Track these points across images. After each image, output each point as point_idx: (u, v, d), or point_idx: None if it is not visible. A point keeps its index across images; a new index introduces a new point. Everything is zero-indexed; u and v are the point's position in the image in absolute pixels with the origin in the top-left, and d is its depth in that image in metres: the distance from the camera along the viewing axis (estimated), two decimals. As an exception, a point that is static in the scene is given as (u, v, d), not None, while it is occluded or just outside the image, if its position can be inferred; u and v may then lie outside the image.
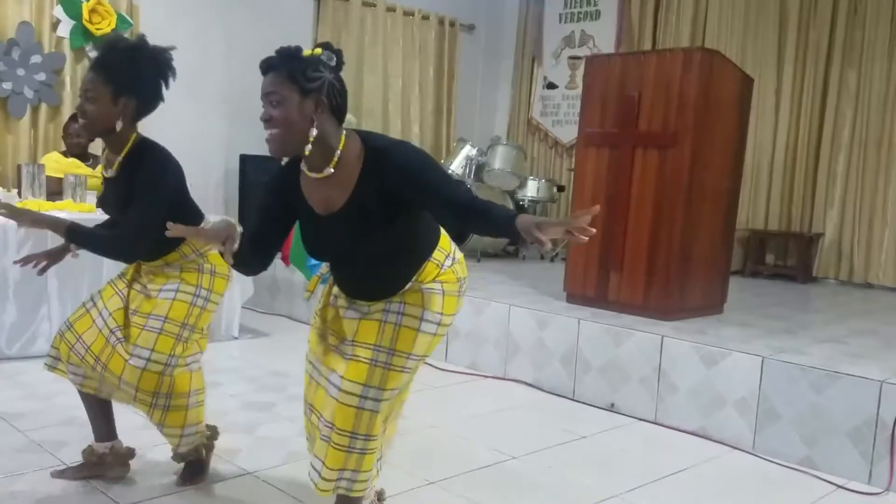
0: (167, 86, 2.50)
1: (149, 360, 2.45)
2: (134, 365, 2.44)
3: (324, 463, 2.01)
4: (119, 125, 2.41)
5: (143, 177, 2.41)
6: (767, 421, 3.32)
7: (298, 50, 1.93)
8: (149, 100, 2.48)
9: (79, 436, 3.06)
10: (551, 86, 8.45)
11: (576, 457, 3.19)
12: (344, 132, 1.96)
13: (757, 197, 7.00)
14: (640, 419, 3.71)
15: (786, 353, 3.46)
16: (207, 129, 6.51)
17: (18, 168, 4.71)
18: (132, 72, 2.39)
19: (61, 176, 4.71)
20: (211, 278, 2.56)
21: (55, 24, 5.61)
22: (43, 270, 2.59)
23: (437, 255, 2.09)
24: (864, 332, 4.24)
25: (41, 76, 5.50)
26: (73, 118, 5.19)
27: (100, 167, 5.15)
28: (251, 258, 2.06)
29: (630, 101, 4.24)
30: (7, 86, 5.38)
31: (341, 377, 2.00)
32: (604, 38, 7.99)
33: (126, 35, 2.61)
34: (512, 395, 4.06)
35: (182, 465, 2.69)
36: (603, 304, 4.33)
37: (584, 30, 8.19)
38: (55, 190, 4.65)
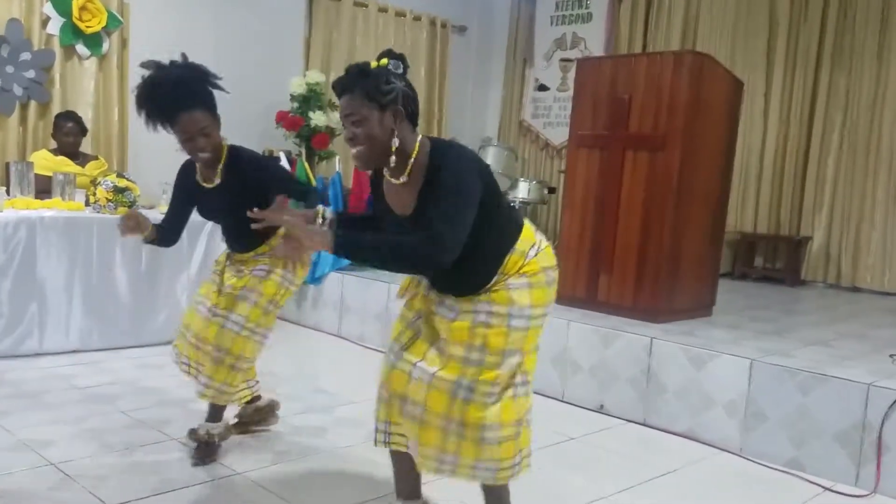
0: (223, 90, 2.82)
1: (243, 326, 2.79)
2: (230, 329, 2.79)
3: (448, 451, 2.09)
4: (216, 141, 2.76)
5: (263, 174, 2.78)
6: (755, 423, 3.34)
7: (367, 66, 1.99)
8: (214, 106, 2.78)
9: (66, 434, 3.05)
10: (542, 88, 8.47)
11: (565, 458, 3.20)
12: (419, 138, 2.04)
13: (746, 200, 7.03)
14: (629, 421, 3.72)
15: (774, 356, 3.48)
16: (198, 128, 6.49)
17: (7, 166, 4.69)
18: (204, 87, 2.73)
19: (50, 174, 4.69)
20: (294, 265, 2.88)
21: (45, 22, 5.57)
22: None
23: (520, 245, 2.11)
24: (852, 335, 4.27)
25: (31, 73, 5.47)
26: (64, 115, 5.17)
27: (89, 165, 5.14)
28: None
29: (621, 104, 4.25)
30: (-4, 83, 5.35)
31: (438, 369, 2.06)
32: (595, 40, 8.01)
33: (162, 61, 2.78)
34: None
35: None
36: (592, 305, 4.34)
37: (575, 32, 8.20)
38: (44, 188, 4.63)
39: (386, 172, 2.07)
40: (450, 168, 1.96)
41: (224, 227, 2.99)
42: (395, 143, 1.98)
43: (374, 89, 1.95)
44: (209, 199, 2.86)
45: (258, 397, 3.20)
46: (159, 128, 2.72)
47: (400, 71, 2.00)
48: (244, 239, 2.87)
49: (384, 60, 2.00)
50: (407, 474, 2.31)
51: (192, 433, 2.91)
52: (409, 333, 2.20)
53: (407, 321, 2.23)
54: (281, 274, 2.85)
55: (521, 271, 2.09)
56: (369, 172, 2.21)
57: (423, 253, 1.91)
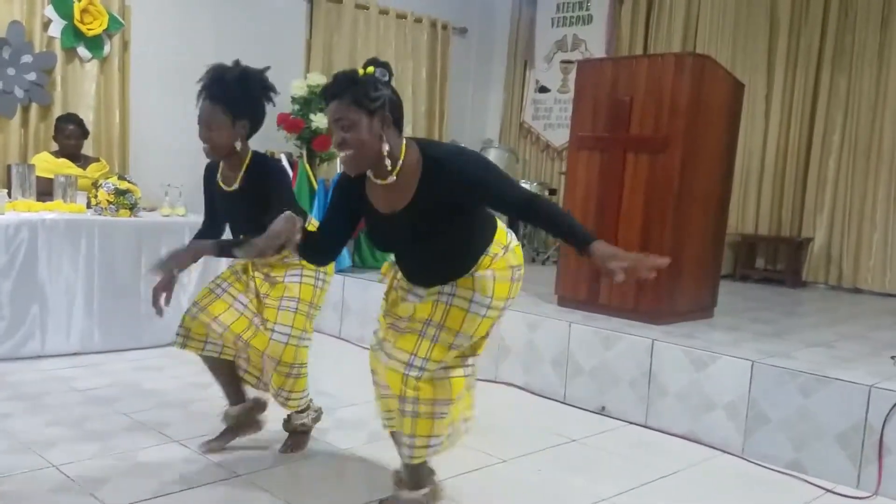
0: (273, 104, 2.85)
1: (290, 335, 2.84)
2: (277, 340, 2.83)
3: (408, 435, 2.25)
4: (238, 145, 2.77)
5: (275, 183, 2.74)
6: (756, 425, 3.33)
7: (355, 73, 2.08)
8: (258, 119, 2.83)
9: (67, 436, 3.05)
10: (543, 89, 8.47)
11: (566, 460, 3.20)
12: (404, 141, 2.15)
13: (747, 201, 7.02)
14: (630, 422, 3.72)
15: (775, 357, 3.47)
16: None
17: (8, 168, 4.69)
18: (245, 98, 2.75)
19: (51, 176, 4.69)
20: (314, 272, 2.92)
21: (46, 24, 5.58)
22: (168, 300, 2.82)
23: (493, 248, 2.27)
24: (853, 337, 4.26)
25: (32, 76, 5.48)
26: (65, 118, 5.18)
27: (91, 167, 5.14)
28: (319, 250, 2.36)
29: (621, 106, 4.25)
30: (-3, 85, 5.36)
31: (393, 346, 2.25)
32: (596, 42, 8.01)
33: (229, 64, 2.84)
34: (502, 397, 4.06)
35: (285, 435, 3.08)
36: (594, 307, 4.33)
37: (576, 34, 8.20)
38: (45, 190, 4.63)
39: (370, 174, 2.18)
40: (462, 164, 2.11)
41: (241, 234, 2.95)
42: (386, 147, 2.08)
43: (362, 96, 2.04)
44: (226, 202, 2.90)
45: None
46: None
47: (386, 79, 2.09)
48: None
49: (370, 69, 2.08)
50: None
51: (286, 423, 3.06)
52: (384, 323, 2.42)
53: (384, 312, 2.45)
54: (313, 275, 2.92)
55: (489, 267, 2.25)
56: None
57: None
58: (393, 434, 2.47)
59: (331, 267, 2.95)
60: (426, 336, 2.20)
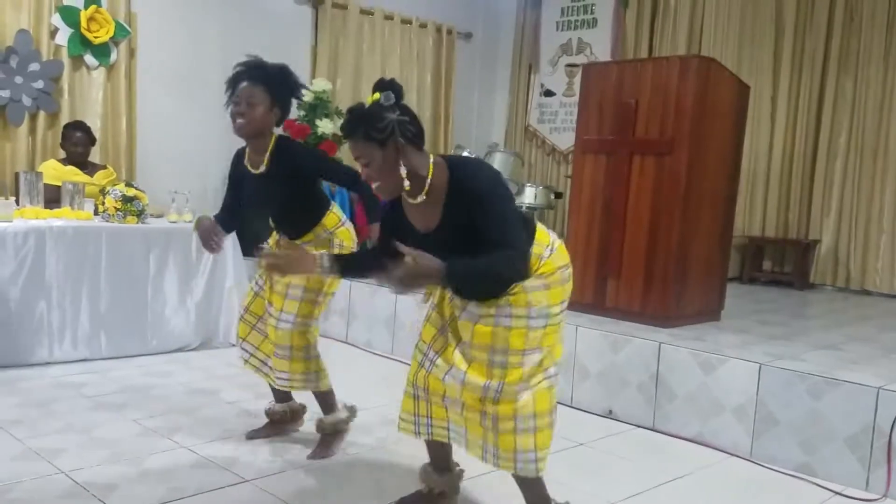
0: (301, 101, 3.02)
1: (293, 322, 2.94)
2: (283, 329, 2.94)
3: (493, 444, 2.25)
4: (269, 128, 2.88)
5: (311, 161, 2.94)
6: (765, 427, 3.32)
7: (361, 107, 2.14)
8: (286, 113, 2.96)
9: (76, 443, 3.06)
10: (548, 93, 8.47)
11: (574, 464, 3.19)
12: (431, 159, 2.18)
13: (754, 204, 7.01)
14: (638, 426, 3.71)
15: (783, 360, 3.47)
16: (205, 137, 6.50)
17: (16, 176, 4.71)
18: (284, 86, 2.90)
19: (59, 183, 4.71)
20: (340, 250, 2.97)
21: (53, 32, 5.62)
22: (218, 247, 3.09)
23: (535, 249, 2.24)
24: (861, 339, 4.25)
25: (39, 84, 5.51)
26: (72, 125, 5.20)
27: (98, 174, 5.17)
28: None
29: (627, 109, 4.25)
30: (5, 93, 5.38)
31: (465, 373, 2.23)
32: (601, 45, 8.01)
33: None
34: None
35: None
36: (601, 310, 4.33)
37: (581, 37, 8.21)
38: (53, 197, 4.65)
39: (404, 194, 2.22)
40: (480, 179, 2.12)
41: (270, 216, 3.08)
42: (403, 171, 2.12)
43: (370, 129, 2.09)
44: (254, 185, 2.97)
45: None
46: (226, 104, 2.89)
47: (391, 102, 2.11)
48: (288, 227, 3.02)
49: (376, 95, 2.13)
50: (438, 451, 2.52)
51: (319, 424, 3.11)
52: (441, 340, 2.35)
53: (438, 326, 2.37)
54: None
55: (537, 272, 2.20)
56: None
57: (518, 267, 2.12)
58: (428, 444, 2.52)
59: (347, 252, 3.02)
60: (495, 364, 2.20)
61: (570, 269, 2.31)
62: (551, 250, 2.26)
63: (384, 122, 2.09)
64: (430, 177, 2.15)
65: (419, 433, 2.43)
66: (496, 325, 2.19)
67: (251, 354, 3.18)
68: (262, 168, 2.90)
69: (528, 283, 2.19)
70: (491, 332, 2.20)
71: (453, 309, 2.31)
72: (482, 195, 2.09)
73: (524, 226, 2.23)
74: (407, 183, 2.14)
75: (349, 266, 2.51)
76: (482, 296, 2.22)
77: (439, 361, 2.33)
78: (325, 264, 2.39)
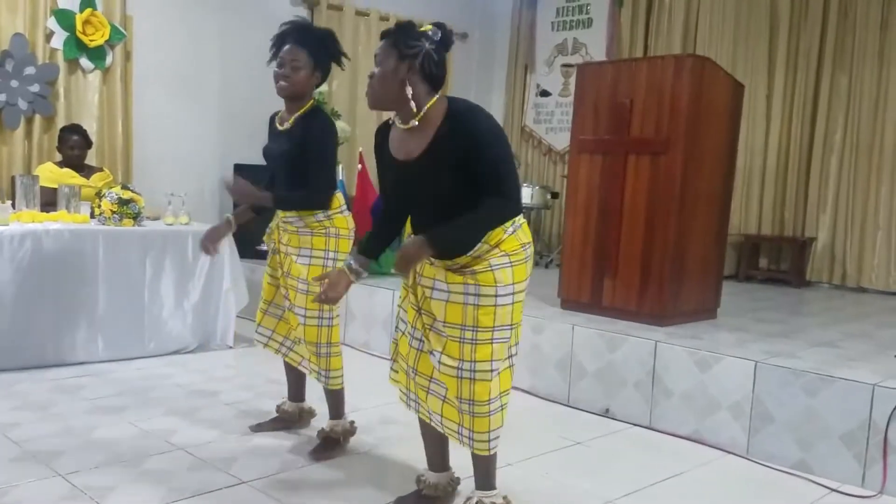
0: (343, 68, 3.11)
1: (305, 315, 3.00)
2: (299, 323, 3.02)
3: (442, 417, 2.40)
4: (310, 89, 2.97)
5: (313, 138, 2.92)
6: (761, 425, 3.33)
7: (409, 23, 2.28)
8: (325, 78, 3.05)
9: (74, 445, 3.06)
10: (544, 93, 8.49)
11: (571, 462, 3.20)
12: (436, 97, 2.25)
13: (750, 201, 7.03)
14: (635, 424, 3.72)
15: (779, 357, 3.48)
16: (202, 138, 6.52)
17: (13, 179, 4.72)
18: (327, 51, 2.98)
19: (55, 186, 4.71)
20: (336, 241, 3.03)
21: (49, 36, 5.62)
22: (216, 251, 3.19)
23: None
24: (857, 336, 4.26)
25: (35, 87, 5.51)
26: (68, 128, 5.21)
27: (94, 177, 5.17)
28: (391, 228, 2.52)
29: (622, 108, 4.26)
30: (1, 97, 5.39)
31: (441, 353, 2.31)
32: (596, 45, 8.03)
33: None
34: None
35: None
36: (597, 309, 4.34)
37: (576, 37, 8.23)
38: (49, 200, 4.66)
39: (395, 119, 2.31)
40: (480, 121, 2.19)
41: (275, 177, 3.10)
42: (409, 90, 2.21)
43: (400, 40, 2.22)
44: (275, 140, 3.06)
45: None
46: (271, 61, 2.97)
47: (437, 38, 2.23)
48: (284, 195, 3.02)
49: (429, 26, 2.25)
50: (436, 446, 2.59)
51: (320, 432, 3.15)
52: (420, 321, 2.40)
53: (415, 307, 2.42)
54: (322, 255, 3.01)
55: (501, 248, 2.26)
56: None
57: (505, 214, 2.23)
58: (421, 422, 2.56)
59: (343, 244, 3.04)
60: (466, 341, 2.27)
61: (532, 249, 2.36)
62: (515, 226, 2.30)
63: (415, 43, 2.20)
64: (427, 106, 2.23)
65: (408, 406, 2.55)
66: (465, 303, 2.26)
67: (269, 338, 3.25)
68: (287, 125, 2.98)
69: (493, 260, 2.25)
70: (461, 311, 2.27)
71: (423, 290, 2.36)
72: (479, 136, 2.17)
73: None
74: (414, 105, 2.21)
75: (371, 256, 2.49)
76: (457, 252, 2.27)
77: (427, 345, 2.40)
78: (354, 268, 2.41)
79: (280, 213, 3.07)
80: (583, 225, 4.45)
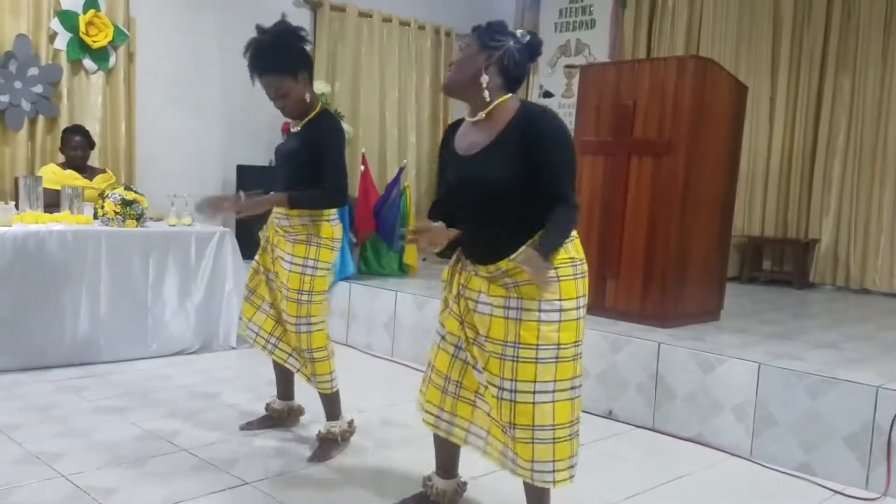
0: (311, 44, 2.97)
1: (290, 322, 3.03)
2: (288, 329, 3.07)
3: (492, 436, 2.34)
4: (308, 96, 2.98)
5: (325, 139, 2.93)
6: (764, 427, 3.33)
7: (501, 22, 2.32)
8: (310, 64, 3.05)
9: (76, 446, 3.07)
10: (547, 94, 8.48)
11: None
12: (509, 95, 2.26)
13: (753, 203, 7.02)
14: (638, 426, 3.72)
15: (782, 359, 3.47)
16: (205, 140, 6.52)
17: (16, 180, 4.72)
18: (289, 54, 2.94)
19: (58, 188, 4.72)
20: (317, 249, 3.01)
21: (52, 37, 5.63)
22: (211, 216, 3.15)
23: None
24: (861, 338, 4.25)
25: (38, 88, 5.52)
26: (71, 130, 5.21)
27: (97, 178, 5.19)
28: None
29: (625, 110, 4.26)
30: (4, 98, 5.39)
31: (483, 369, 2.26)
32: (599, 46, 8.02)
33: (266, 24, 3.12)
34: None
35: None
36: (600, 311, 4.33)
37: (579, 39, 8.22)
38: (52, 202, 4.66)
39: (467, 112, 2.31)
40: (550, 123, 2.17)
41: (281, 177, 3.09)
42: (485, 79, 2.21)
43: (485, 33, 2.26)
44: (285, 143, 3.12)
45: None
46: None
47: (524, 41, 2.25)
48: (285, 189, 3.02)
49: (522, 31, 2.30)
50: (449, 453, 2.54)
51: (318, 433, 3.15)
52: (464, 333, 2.32)
53: (458, 319, 2.33)
54: (301, 263, 2.99)
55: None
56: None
57: (575, 222, 2.18)
58: (436, 437, 2.51)
59: (325, 254, 3.01)
60: (507, 357, 2.18)
61: (584, 266, 2.23)
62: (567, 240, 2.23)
63: (500, 38, 2.23)
64: (498, 102, 2.23)
65: (438, 428, 2.43)
66: (506, 317, 2.18)
67: (256, 334, 3.23)
68: (298, 128, 3.03)
69: None
70: (503, 325, 2.19)
71: (467, 302, 2.28)
72: (549, 135, 2.15)
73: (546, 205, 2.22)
74: (487, 94, 2.20)
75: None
76: (488, 254, 2.21)
77: (466, 354, 2.34)
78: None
79: (275, 209, 3.07)
80: (585, 226, 4.44)
